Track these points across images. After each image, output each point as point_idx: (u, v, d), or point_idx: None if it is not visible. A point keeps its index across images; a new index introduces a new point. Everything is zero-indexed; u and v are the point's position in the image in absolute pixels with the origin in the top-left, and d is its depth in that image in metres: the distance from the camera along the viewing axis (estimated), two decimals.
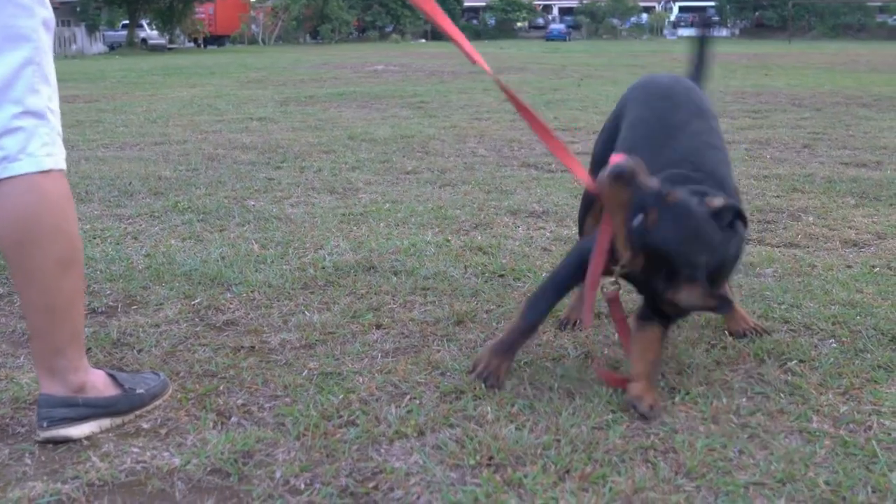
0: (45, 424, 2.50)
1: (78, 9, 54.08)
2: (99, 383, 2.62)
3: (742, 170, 6.84)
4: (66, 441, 2.50)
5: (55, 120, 2.47)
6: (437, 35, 76.20)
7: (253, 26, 69.29)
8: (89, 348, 3.11)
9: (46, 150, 2.42)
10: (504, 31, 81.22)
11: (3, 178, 2.38)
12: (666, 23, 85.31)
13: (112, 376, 2.67)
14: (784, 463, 2.31)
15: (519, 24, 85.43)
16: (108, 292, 3.82)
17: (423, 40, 70.19)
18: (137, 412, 2.67)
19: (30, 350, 2.78)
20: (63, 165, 2.48)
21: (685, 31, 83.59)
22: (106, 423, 2.59)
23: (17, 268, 2.47)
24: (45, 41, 2.44)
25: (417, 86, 16.72)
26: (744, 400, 2.70)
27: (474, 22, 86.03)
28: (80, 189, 6.18)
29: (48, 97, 2.44)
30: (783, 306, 3.54)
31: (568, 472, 2.27)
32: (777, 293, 3.70)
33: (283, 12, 68.42)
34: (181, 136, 9.35)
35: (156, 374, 2.84)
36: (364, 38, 70.93)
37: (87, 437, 2.52)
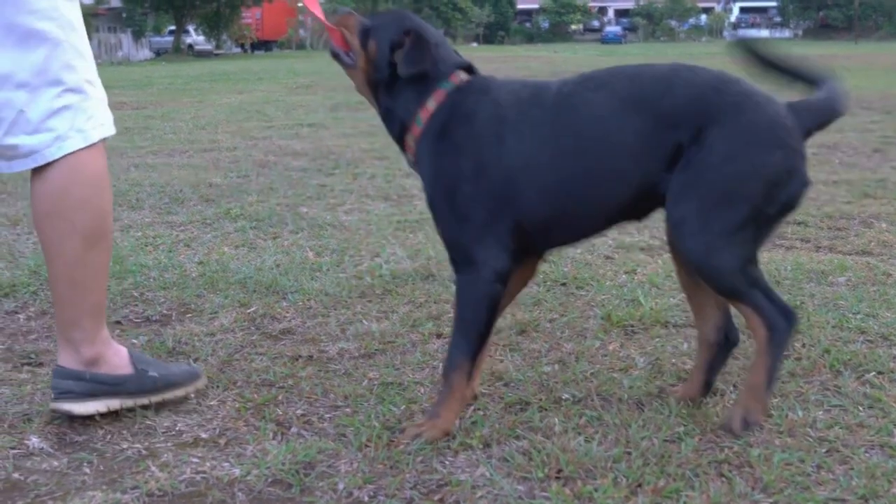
0: (54, 395, 2.65)
1: (124, 15, 54.77)
2: (115, 360, 2.71)
3: (810, 175, 6.75)
4: (68, 416, 2.64)
5: (95, 90, 2.60)
6: (489, 39, 76.32)
7: (301, 31, 69.81)
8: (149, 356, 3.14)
9: (92, 123, 2.57)
10: (558, 34, 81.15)
11: (59, 157, 2.52)
12: (726, 24, 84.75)
13: (133, 356, 2.76)
14: (865, 478, 2.27)
15: (573, 26, 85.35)
16: (162, 300, 3.86)
17: (476, 44, 70.34)
18: (153, 398, 2.75)
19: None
20: (111, 131, 2.65)
21: (746, 33, 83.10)
22: (115, 403, 2.69)
23: (43, 241, 2.61)
24: (70, 15, 2.53)
25: None
26: (820, 413, 2.67)
27: (527, 25, 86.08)
28: (130, 196, 6.26)
29: (84, 70, 2.56)
30: (858, 316, 3.49)
31: (640, 485, 2.25)
32: (852, 302, 3.65)
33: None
34: (230, 142, 9.44)
35: (190, 366, 2.96)
36: None
37: (91, 414, 2.65)
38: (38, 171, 2.55)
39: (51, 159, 2.52)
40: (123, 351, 2.76)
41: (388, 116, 2.76)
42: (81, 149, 2.54)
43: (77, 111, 2.53)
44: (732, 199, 2.41)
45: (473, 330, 2.55)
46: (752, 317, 2.47)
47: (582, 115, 2.52)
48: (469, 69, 2.73)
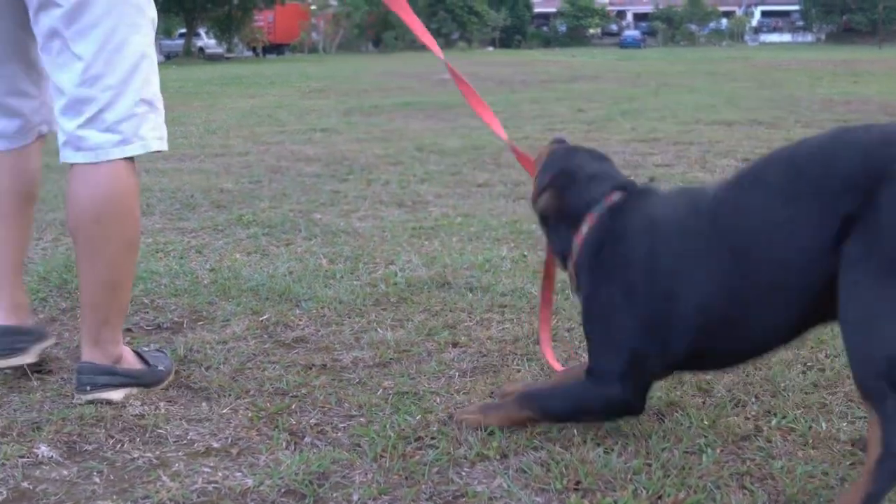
0: (88, 388, 2.90)
1: None
2: (130, 358, 3.02)
3: None
4: (108, 403, 2.88)
5: (160, 106, 2.94)
6: (505, 42, 76.44)
7: (313, 34, 70.04)
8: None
9: (154, 134, 2.89)
10: (575, 38, 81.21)
11: (119, 157, 2.81)
12: (747, 28, 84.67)
13: (137, 353, 3.08)
14: (891, 492, 2.27)
15: (591, 30, 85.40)
16: (174, 307, 3.87)
17: (492, 48, 70.42)
18: (155, 388, 3.02)
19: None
20: (164, 147, 2.97)
21: (768, 37, 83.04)
22: (134, 391, 2.97)
23: (89, 246, 2.85)
24: (152, 37, 2.90)
25: (487, 95, 16.62)
26: (844, 424, 2.67)
27: (545, 29, 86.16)
28: (140, 202, 6.27)
29: (156, 86, 2.91)
30: None
31: (660, 497, 2.25)
32: None
33: (344, 19, 68.98)
34: (242, 147, 9.47)
35: (161, 351, 3.23)
36: None
37: (123, 401, 2.91)
38: (83, 175, 2.81)
39: (110, 158, 2.79)
40: (129, 349, 3.07)
41: (554, 249, 2.77)
42: (120, 159, 2.81)
43: (144, 121, 2.84)
44: None
45: (573, 412, 2.61)
46: (876, 427, 2.04)
47: (738, 223, 2.29)
48: (628, 187, 2.66)
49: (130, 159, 2.84)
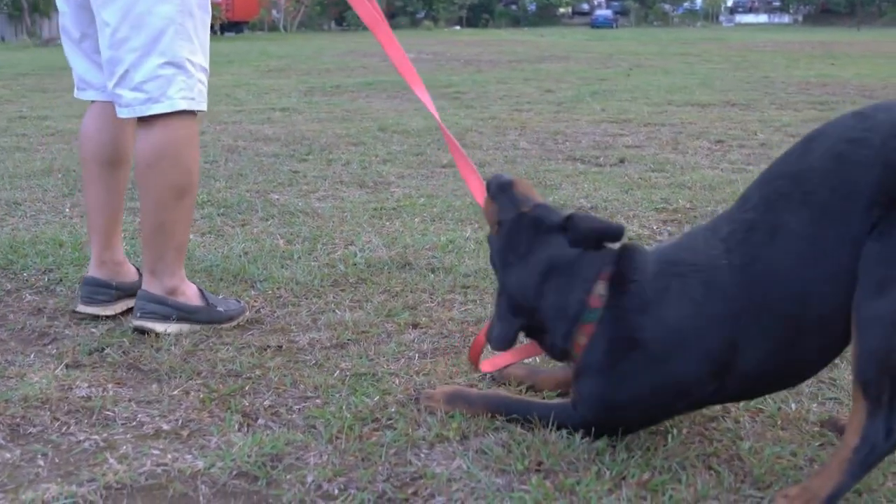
0: (138, 314, 3.33)
1: None
2: (189, 293, 3.41)
3: None
4: (151, 332, 3.28)
5: (196, 70, 3.24)
6: (472, 22, 76.37)
7: (274, 12, 69.67)
8: (103, 348, 3.15)
9: (182, 94, 3.19)
10: (545, 17, 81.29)
11: (146, 115, 3.19)
12: (722, 8, 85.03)
13: (202, 292, 3.45)
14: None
15: (561, 9, 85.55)
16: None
17: (458, 27, 70.37)
18: (215, 325, 3.39)
19: (39, 349, 3.18)
20: (199, 108, 3.27)
21: (743, 18, 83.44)
22: (185, 327, 3.34)
23: (142, 188, 3.29)
24: (187, 6, 3.18)
25: (452, 75, 16.75)
26: (814, 406, 2.69)
27: (513, 7, 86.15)
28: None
29: (190, 51, 3.20)
30: None
31: (624, 478, 2.26)
32: None
33: None
34: (213, 131, 9.42)
35: (237, 300, 3.58)
36: (394, 24, 71.03)
37: (168, 334, 3.28)
38: (141, 128, 3.24)
39: (141, 115, 3.19)
40: (194, 287, 3.45)
41: (545, 350, 2.65)
42: (171, 113, 3.18)
43: (171, 82, 3.17)
44: None
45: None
46: (859, 417, 2.08)
47: (770, 283, 2.20)
48: (619, 261, 2.47)
49: (183, 114, 3.22)
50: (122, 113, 3.23)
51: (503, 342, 2.55)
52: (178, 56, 3.18)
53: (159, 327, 3.29)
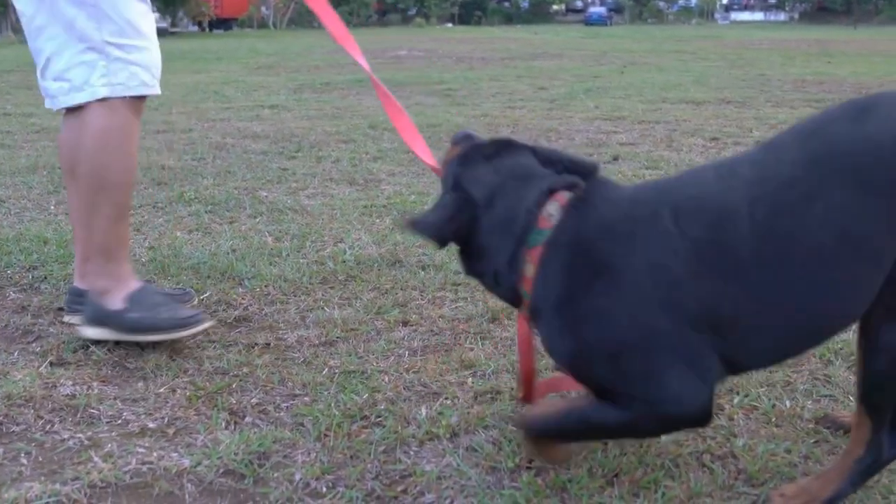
0: (65, 310, 3.36)
1: None
2: (116, 294, 3.17)
3: None
4: (73, 325, 3.28)
5: (122, 52, 3.02)
6: (464, 19, 76.40)
7: (263, 9, 69.63)
8: (87, 346, 3.15)
9: (103, 81, 3.01)
10: (539, 14, 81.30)
11: (71, 105, 3.04)
12: (717, 5, 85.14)
13: (134, 295, 3.19)
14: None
15: (555, 6, 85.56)
16: None
17: (450, 24, 70.38)
18: (139, 335, 3.13)
19: (23, 346, 3.20)
20: (126, 93, 3.05)
21: (739, 15, 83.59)
22: (106, 334, 3.15)
23: (67, 181, 3.21)
24: None
25: (444, 72, 16.72)
26: (809, 403, 2.69)
27: (506, 4, 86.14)
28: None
29: (110, 33, 2.99)
30: None
31: (616, 476, 2.26)
32: None
33: None
34: (185, 124, 9.40)
35: (187, 315, 3.17)
36: (385, 21, 71.17)
37: (96, 341, 3.17)
38: (66, 120, 3.12)
39: (63, 106, 3.06)
40: (132, 286, 3.22)
41: (489, 287, 2.27)
42: (91, 103, 3.02)
43: (94, 68, 3.00)
44: None
45: (605, 429, 2.10)
46: (865, 429, 2.05)
47: (806, 255, 1.88)
48: (578, 181, 2.15)
49: (108, 102, 3.03)
50: (50, 104, 3.11)
51: (430, 227, 2.13)
52: (96, 39, 2.98)
53: (83, 330, 3.18)
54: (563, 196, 2.09)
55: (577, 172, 2.17)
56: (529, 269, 2.06)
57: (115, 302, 3.15)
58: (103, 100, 3.02)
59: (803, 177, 1.89)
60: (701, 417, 1.94)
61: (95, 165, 3.07)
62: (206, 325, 3.19)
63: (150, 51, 3.12)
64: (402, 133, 2.82)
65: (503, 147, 2.25)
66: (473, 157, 2.23)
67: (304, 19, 68.93)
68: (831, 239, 1.86)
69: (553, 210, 2.07)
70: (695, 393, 1.91)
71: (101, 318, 3.15)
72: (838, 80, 14.53)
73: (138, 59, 3.06)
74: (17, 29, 48.77)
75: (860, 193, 1.85)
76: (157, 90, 3.16)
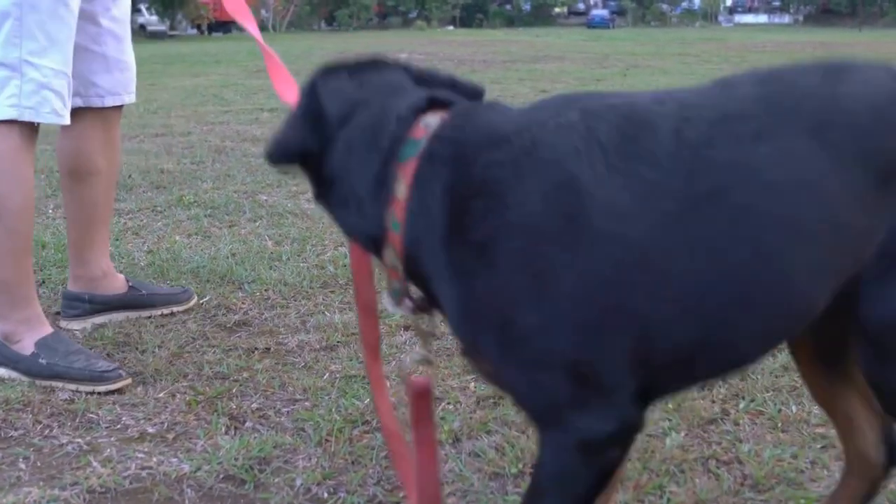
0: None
1: None
2: (25, 341, 2.96)
3: None
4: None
5: (35, 73, 2.80)
6: (466, 21, 76.50)
7: (262, 11, 69.63)
8: (91, 347, 3.13)
9: (11, 101, 2.79)
10: (540, 17, 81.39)
11: None
12: (721, 8, 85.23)
13: (47, 338, 2.98)
14: None
15: (557, 9, 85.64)
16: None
17: (452, 27, 70.42)
18: (41, 381, 2.90)
19: None
20: (33, 118, 2.83)
21: (743, 18, 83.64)
22: (13, 373, 2.94)
23: None
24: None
25: None
26: (815, 408, 2.68)
27: (507, 7, 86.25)
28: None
29: (30, 52, 2.79)
30: None
31: (621, 481, 2.26)
32: None
33: None
34: (184, 127, 9.40)
35: (104, 370, 2.90)
36: (385, 24, 71.26)
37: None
38: None
39: None
40: (42, 333, 2.99)
41: (349, 229, 1.85)
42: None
43: (3, 87, 2.80)
44: None
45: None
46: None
47: (745, 185, 1.50)
48: (445, 100, 1.76)
49: (9, 124, 2.82)
50: None
51: (275, 147, 1.79)
52: (11, 57, 2.79)
53: None
54: (445, 112, 1.71)
55: (462, 93, 1.82)
56: (401, 189, 1.64)
57: (25, 348, 2.95)
58: (10, 121, 2.82)
59: (754, 114, 1.55)
60: (623, 431, 1.58)
61: None
62: (123, 382, 2.88)
63: (67, 78, 2.90)
64: (273, 78, 2.59)
65: (371, 63, 1.87)
66: (335, 70, 1.86)
67: (304, 22, 69.07)
68: (781, 194, 1.50)
69: (432, 121, 1.68)
70: (612, 394, 1.55)
71: (7, 361, 2.96)
72: None
73: (57, 84, 2.86)
74: None
75: (825, 155, 1.52)
76: (65, 120, 2.94)
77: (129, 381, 2.90)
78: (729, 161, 1.50)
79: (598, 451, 1.57)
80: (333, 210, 1.82)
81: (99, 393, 2.84)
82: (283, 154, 1.79)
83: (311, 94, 1.80)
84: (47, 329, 3.03)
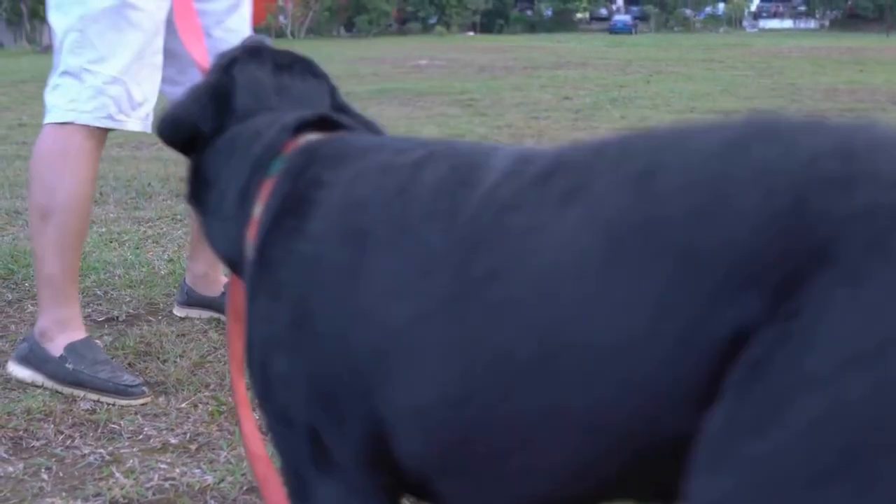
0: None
1: None
2: (57, 341, 3.02)
3: None
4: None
5: (93, 79, 2.97)
6: (486, 27, 76.54)
7: (281, 17, 69.83)
8: (113, 357, 3.15)
9: (71, 105, 2.98)
10: (562, 22, 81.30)
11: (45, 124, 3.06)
12: (745, 13, 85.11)
13: (78, 348, 3.02)
14: None
15: (579, 14, 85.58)
16: (129, 299, 3.87)
17: (472, 33, 70.47)
18: (63, 388, 2.95)
19: None
20: (90, 122, 2.99)
21: (768, 23, 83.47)
22: (39, 378, 3.00)
23: None
24: (95, 7, 2.93)
25: (466, 82, 16.76)
26: None
27: (528, 13, 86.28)
28: (95, 190, 6.26)
29: (90, 60, 2.96)
30: None
31: None
32: None
33: (314, 2, 68.87)
34: None
35: (131, 384, 2.92)
36: (405, 30, 71.31)
37: (13, 376, 3.05)
38: None
39: (45, 124, 3.05)
40: (76, 338, 3.05)
41: (216, 246, 1.75)
42: (56, 125, 3.01)
43: (65, 92, 2.99)
44: (864, 457, 0.95)
45: None
46: None
47: (533, 256, 1.17)
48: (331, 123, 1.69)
49: (66, 126, 3.00)
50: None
51: (171, 120, 1.72)
52: (73, 65, 2.97)
53: (11, 366, 3.07)
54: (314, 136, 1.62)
55: (367, 127, 1.76)
56: (258, 209, 1.55)
57: (55, 349, 3.01)
58: (68, 124, 3.00)
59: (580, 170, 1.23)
60: None
61: (45, 188, 3.03)
62: (145, 399, 2.90)
63: (124, 86, 3.00)
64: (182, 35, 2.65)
65: (301, 66, 1.85)
66: (260, 57, 1.80)
67: (323, 28, 69.18)
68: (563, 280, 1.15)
69: (313, 139, 1.60)
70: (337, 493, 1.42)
71: (35, 360, 3.02)
72: (871, 88, 14.51)
73: (114, 90, 2.99)
74: (32, 39, 49.19)
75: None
76: (123, 126, 3.06)
77: (150, 397, 2.91)
78: (522, 229, 1.20)
79: None
80: (204, 217, 1.74)
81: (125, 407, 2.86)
82: (172, 128, 1.72)
83: (227, 73, 1.74)
84: (80, 334, 3.08)
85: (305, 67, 1.83)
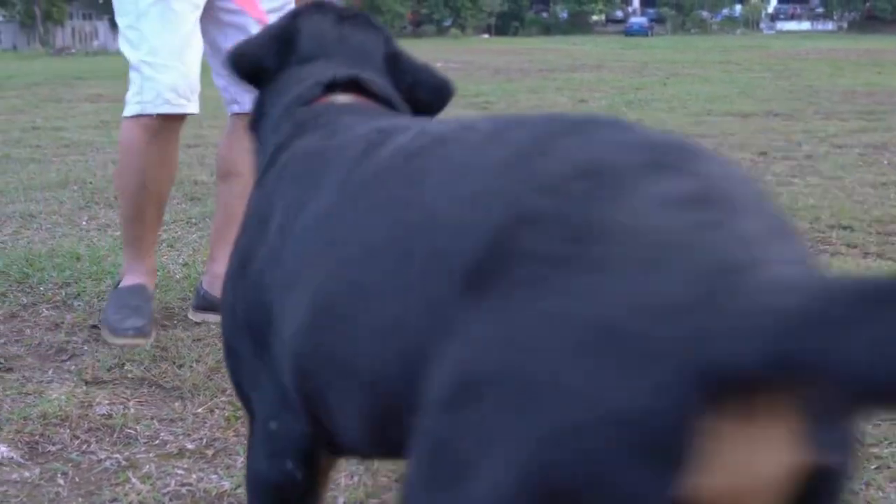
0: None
1: (100, 1, 54.88)
2: (123, 282, 3.67)
3: (856, 176, 6.78)
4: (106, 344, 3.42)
5: (152, 71, 3.30)
6: (502, 29, 76.45)
7: None
8: (123, 364, 3.17)
9: (136, 98, 3.36)
10: (577, 25, 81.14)
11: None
12: (763, 15, 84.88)
13: (122, 289, 3.62)
14: None
15: (594, 17, 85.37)
16: None
17: (487, 35, 70.41)
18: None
19: (57, 365, 3.22)
20: (152, 111, 3.34)
21: (785, 25, 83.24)
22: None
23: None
24: (145, 3, 3.26)
25: (481, 84, 16.74)
26: (869, 427, 2.67)
27: (544, 15, 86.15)
28: (108, 194, 6.26)
29: (146, 52, 3.30)
30: None
31: None
32: None
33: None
34: (216, 137, 9.36)
35: (139, 327, 3.41)
36: (419, 32, 71.22)
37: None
38: None
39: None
40: (127, 283, 3.65)
41: None
42: (124, 119, 3.44)
43: (132, 86, 3.36)
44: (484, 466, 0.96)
45: None
46: None
47: (413, 188, 1.24)
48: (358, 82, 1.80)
49: (135, 117, 3.39)
50: None
51: (239, 55, 1.92)
52: (134, 59, 3.34)
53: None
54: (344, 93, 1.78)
55: (423, 87, 1.94)
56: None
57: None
58: (136, 116, 3.39)
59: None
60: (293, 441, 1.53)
61: (124, 173, 3.58)
62: (131, 341, 3.34)
63: (178, 70, 3.34)
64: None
65: (362, 21, 1.97)
66: (325, 10, 1.96)
67: None
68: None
69: (339, 99, 1.75)
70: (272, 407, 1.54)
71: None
72: (890, 90, 14.45)
73: (164, 77, 3.32)
74: (45, 41, 49.29)
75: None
76: (183, 109, 3.41)
77: (141, 342, 3.32)
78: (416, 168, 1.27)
79: (279, 454, 1.55)
80: (254, 145, 1.92)
81: (111, 345, 3.33)
82: (238, 59, 1.92)
83: (293, 20, 1.94)
84: (132, 280, 3.62)
85: (364, 19, 1.99)
